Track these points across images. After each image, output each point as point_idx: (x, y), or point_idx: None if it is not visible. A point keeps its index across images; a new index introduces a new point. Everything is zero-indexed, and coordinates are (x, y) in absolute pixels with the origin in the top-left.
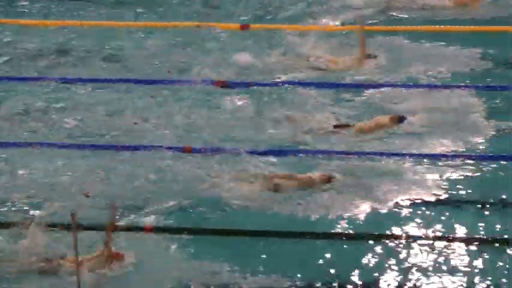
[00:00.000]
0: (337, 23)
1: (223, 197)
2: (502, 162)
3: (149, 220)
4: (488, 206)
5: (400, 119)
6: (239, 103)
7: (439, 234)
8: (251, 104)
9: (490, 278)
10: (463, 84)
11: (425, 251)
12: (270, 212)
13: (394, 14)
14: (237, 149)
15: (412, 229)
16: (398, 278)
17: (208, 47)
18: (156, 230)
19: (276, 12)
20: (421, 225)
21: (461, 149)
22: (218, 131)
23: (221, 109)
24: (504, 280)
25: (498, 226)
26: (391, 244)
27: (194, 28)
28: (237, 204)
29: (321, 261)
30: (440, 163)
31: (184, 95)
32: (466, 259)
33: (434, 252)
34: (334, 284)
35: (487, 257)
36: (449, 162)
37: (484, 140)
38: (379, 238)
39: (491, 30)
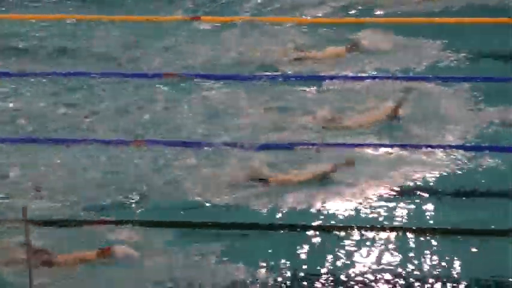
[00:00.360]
0: (308, 16)
1: (183, 189)
2: (472, 153)
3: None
4: (462, 196)
5: (395, 115)
6: (195, 96)
7: (407, 225)
8: (206, 97)
9: (446, 268)
10: (439, 76)
11: (397, 242)
12: (236, 206)
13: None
14: (213, 143)
15: (381, 221)
16: (365, 269)
17: (159, 39)
18: (112, 223)
19: (231, 3)
20: (398, 216)
21: (438, 141)
22: (173, 123)
23: (174, 102)
24: (458, 270)
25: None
26: (359, 236)
27: (145, 21)
28: (197, 198)
29: (285, 253)
30: (415, 155)
31: (137, 88)
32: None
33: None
34: (301, 274)
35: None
36: (424, 152)
37: (459, 132)
38: (347, 230)
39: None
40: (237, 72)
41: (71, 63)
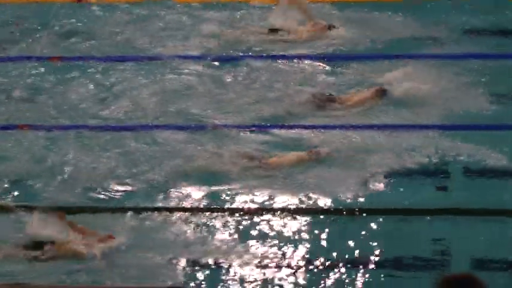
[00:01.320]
0: None
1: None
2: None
3: None
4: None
5: (383, 92)
6: (83, 79)
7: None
8: (95, 80)
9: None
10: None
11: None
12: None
13: None
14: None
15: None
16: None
17: (46, 21)
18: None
19: None
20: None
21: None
22: (63, 106)
23: (61, 86)
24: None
25: None
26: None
27: (32, 3)
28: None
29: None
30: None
31: (22, 72)
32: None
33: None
34: (237, 261)
35: None
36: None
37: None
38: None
39: None
40: (127, 54)
41: None
